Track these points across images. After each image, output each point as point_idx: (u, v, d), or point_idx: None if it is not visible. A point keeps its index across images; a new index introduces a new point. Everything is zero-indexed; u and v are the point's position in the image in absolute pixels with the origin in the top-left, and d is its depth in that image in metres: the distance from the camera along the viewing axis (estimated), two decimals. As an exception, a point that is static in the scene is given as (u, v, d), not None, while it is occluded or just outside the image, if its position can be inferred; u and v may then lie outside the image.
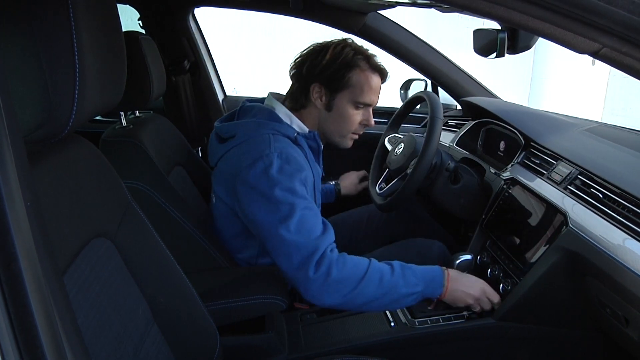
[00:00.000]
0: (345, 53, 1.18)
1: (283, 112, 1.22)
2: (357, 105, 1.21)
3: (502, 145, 1.53)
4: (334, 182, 1.74)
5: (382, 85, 1.26)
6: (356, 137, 1.29)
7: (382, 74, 1.24)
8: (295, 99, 1.24)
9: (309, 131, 1.23)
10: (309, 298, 1.02)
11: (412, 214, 1.67)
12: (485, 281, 1.14)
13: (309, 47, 1.23)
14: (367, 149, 1.83)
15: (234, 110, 1.28)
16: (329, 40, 1.23)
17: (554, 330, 1.15)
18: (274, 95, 1.27)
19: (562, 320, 1.14)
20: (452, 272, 1.11)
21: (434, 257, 1.38)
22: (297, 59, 1.24)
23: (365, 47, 1.24)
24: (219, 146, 1.21)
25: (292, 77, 1.25)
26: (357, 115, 1.23)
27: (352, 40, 1.23)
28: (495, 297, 1.13)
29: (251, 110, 1.23)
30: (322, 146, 1.27)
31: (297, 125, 1.23)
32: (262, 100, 1.28)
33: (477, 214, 1.37)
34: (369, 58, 1.21)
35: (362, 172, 1.77)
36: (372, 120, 1.26)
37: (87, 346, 0.51)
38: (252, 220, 1.09)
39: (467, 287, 1.10)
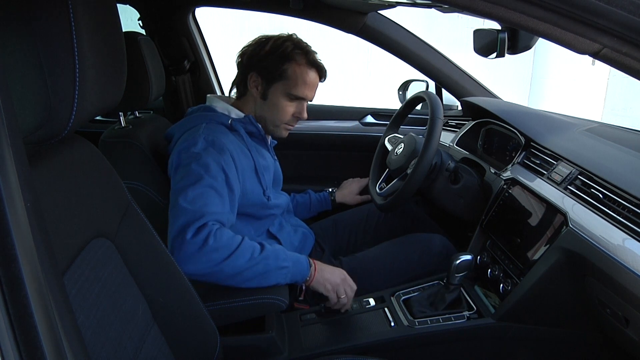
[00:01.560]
0: (285, 46, 1.23)
1: (220, 106, 1.29)
2: (291, 97, 1.26)
3: (500, 145, 1.53)
4: (329, 190, 1.72)
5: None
6: (290, 128, 1.34)
7: (320, 71, 1.29)
8: (237, 86, 1.33)
9: (244, 115, 1.28)
10: (181, 263, 0.99)
11: (412, 214, 1.67)
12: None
13: (255, 38, 1.29)
14: (367, 149, 1.83)
15: None
16: (277, 34, 1.28)
17: (554, 330, 1.15)
18: (214, 96, 1.35)
19: (562, 321, 1.14)
20: (317, 262, 1.18)
21: (436, 251, 1.38)
22: (242, 48, 1.30)
23: (308, 43, 1.29)
24: (167, 149, 1.26)
25: (237, 67, 1.32)
26: (290, 107, 1.28)
27: (297, 36, 1.29)
28: (353, 287, 1.19)
29: (191, 112, 1.31)
30: (264, 131, 1.32)
31: (235, 113, 1.29)
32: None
33: (477, 214, 1.37)
34: (307, 53, 1.26)
35: (365, 182, 1.74)
36: (305, 114, 1.31)
37: (87, 346, 0.51)
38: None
39: (329, 273, 1.16)
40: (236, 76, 1.32)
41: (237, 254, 1.03)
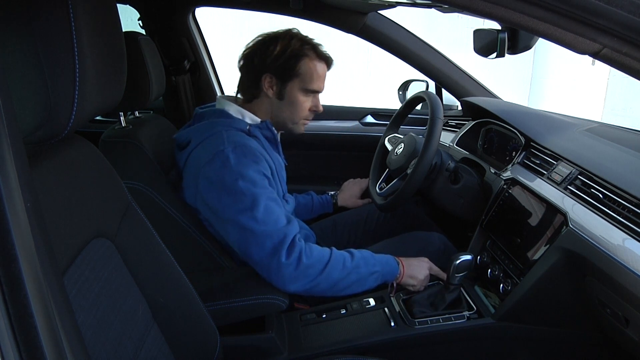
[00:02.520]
0: (293, 44, 1.24)
1: (234, 109, 1.27)
2: (307, 92, 1.28)
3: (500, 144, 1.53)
4: (332, 193, 1.71)
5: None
6: (307, 122, 1.35)
7: (328, 62, 1.31)
8: (247, 90, 1.29)
9: (261, 121, 1.28)
10: (281, 285, 1.09)
11: (412, 214, 1.67)
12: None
13: (256, 38, 1.28)
14: (367, 149, 1.83)
15: (191, 121, 1.32)
16: (274, 30, 1.28)
17: (554, 330, 1.15)
18: (223, 97, 1.32)
19: (562, 321, 1.14)
20: (403, 259, 1.23)
21: (435, 249, 1.39)
22: (245, 51, 1.28)
23: (310, 36, 1.30)
24: (180, 154, 1.25)
25: (241, 69, 1.30)
26: (307, 102, 1.30)
27: (298, 30, 1.29)
28: (441, 274, 1.26)
29: (203, 114, 1.28)
30: (278, 135, 1.33)
31: (250, 117, 1.28)
32: (214, 105, 1.33)
33: (477, 214, 1.37)
34: (315, 47, 1.27)
35: (366, 183, 1.72)
36: (321, 106, 1.33)
37: (87, 346, 0.51)
38: (217, 217, 1.14)
39: (417, 269, 1.23)
40: (245, 80, 1.29)
41: (330, 267, 1.10)
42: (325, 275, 1.09)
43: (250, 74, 1.27)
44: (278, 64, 1.23)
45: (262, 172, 1.14)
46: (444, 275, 1.24)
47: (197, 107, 1.34)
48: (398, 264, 1.21)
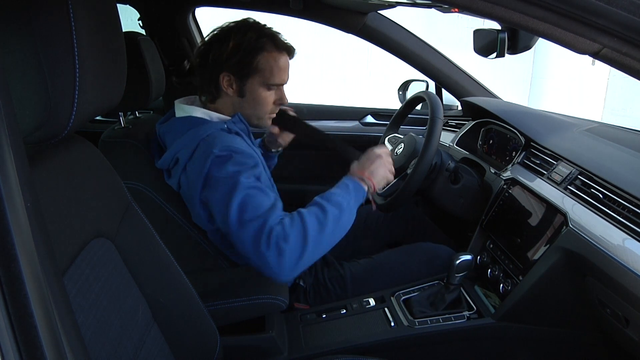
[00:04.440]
0: (249, 38, 1.15)
1: (200, 113, 1.20)
2: (269, 87, 1.20)
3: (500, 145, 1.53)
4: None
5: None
6: (273, 115, 1.27)
7: (289, 52, 1.21)
8: (207, 90, 1.22)
9: (232, 117, 1.21)
10: (272, 274, 1.00)
11: (412, 214, 1.67)
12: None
13: (210, 33, 1.20)
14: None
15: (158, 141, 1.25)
16: (229, 22, 1.19)
17: (554, 330, 1.15)
18: (181, 102, 1.25)
19: (562, 321, 1.14)
20: (356, 170, 1.14)
21: (441, 262, 1.38)
22: (200, 47, 1.21)
23: (267, 25, 1.20)
24: (171, 179, 1.19)
25: (198, 69, 1.22)
26: (270, 97, 1.22)
27: (253, 20, 1.20)
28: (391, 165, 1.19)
29: (171, 128, 1.20)
30: (249, 126, 1.25)
31: (217, 117, 1.21)
32: (172, 113, 1.24)
33: (477, 214, 1.37)
34: (273, 37, 1.18)
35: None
36: (286, 98, 1.25)
37: (87, 346, 0.51)
38: (218, 219, 1.08)
39: (372, 165, 1.14)
40: (203, 80, 1.21)
41: (310, 235, 1.00)
42: (310, 245, 1.00)
43: (207, 73, 1.19)
44: (234, 61, 1.15)
45: (249, 164, 1.08)
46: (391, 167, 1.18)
47: (157, 123, 1.25)
48: (361, 181, 1.12)
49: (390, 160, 1.19)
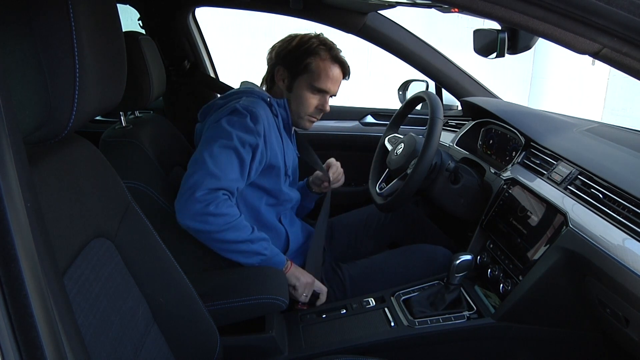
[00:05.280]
0: (311, 42, 1.32)
1: (257, 89, 1.37)
2: (314, 89, 1.33)
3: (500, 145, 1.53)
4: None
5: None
6: (314, 120, 1.40)
7: (343, 67, 1.36)
8: (265, 80, 1.42)
9: (280, 99, 1.35)
10: (180, 215, 1.11)
11: (412, 214, 1.67)
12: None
13: (286, 36, 1.38)
14: (367, 149, 1.83)
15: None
16: (305, 32, 1.37)
17: (554, 330, 1.15)
18: (248, 81, 1.42)
19: (562, 321, 1.14)
20: (293, 263, 1.27)
21: (439, 264, 1.38)
22: (272, 46, 1.39)
23: (334, 42, 1.37)
24: (198, 126, 1.34)
25: (267, 61, 1.41)
26: (313, 99, 1.35)
27: (324, 35, 1.37)
28: (323, 289, 1.30)
29: (231, 93, 1.36)
30: (291, 121, 1.38)
31: (268, 96, 1.35)
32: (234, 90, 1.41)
33: (477, 214, 1.37)
34: (331, 49, 1.34)
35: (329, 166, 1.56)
36: (328, 107, 1.38)
37: (87, 346, 0.51)
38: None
39: (303, 274, 1.26)
40: (266, 72, 1.41)
41: (231, 228, 1.12)
42: (223, 233, 1.12)
43: (269, 65, 1.38)
44: (290, 58, 1.32)
45: (254, 131, 1.18)
46: (324, 290, 1.29)
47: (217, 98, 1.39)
48: (286, 261, 1.24)
49: (309, 282, 1.26)
